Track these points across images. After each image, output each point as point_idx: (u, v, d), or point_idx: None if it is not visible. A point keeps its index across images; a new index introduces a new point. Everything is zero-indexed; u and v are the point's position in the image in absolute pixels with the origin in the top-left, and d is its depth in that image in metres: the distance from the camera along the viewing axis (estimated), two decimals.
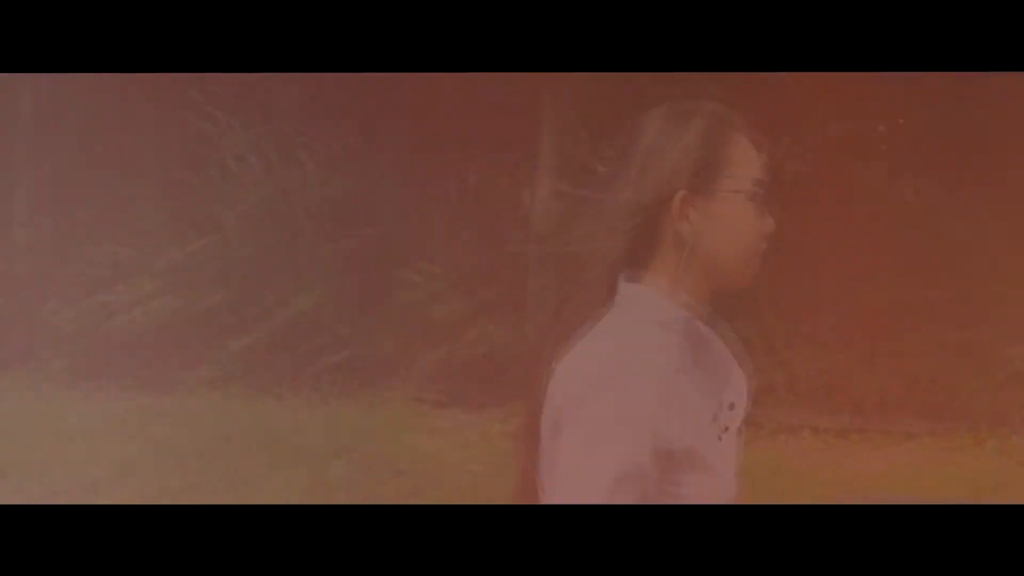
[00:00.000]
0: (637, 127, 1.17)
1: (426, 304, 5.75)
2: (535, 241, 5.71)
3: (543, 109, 5.69)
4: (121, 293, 5.91)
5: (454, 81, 6.22)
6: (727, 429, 1.18)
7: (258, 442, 4.91)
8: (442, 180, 6.05)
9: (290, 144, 5.91)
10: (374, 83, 6.09)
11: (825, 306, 5.84)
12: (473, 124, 6.35)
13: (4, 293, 6.10)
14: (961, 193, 5.84)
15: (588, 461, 1.06)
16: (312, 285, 5.81)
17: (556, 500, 1.10)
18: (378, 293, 5.86)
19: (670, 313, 1.14)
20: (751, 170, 1.15)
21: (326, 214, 5.85)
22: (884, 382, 5.92)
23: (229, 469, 4.54)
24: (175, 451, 4.84)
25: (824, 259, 5.59)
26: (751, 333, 5.71)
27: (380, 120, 6.23)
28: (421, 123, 6.35)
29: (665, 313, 1.14)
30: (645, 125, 1.17)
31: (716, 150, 1.14)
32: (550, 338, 1.15)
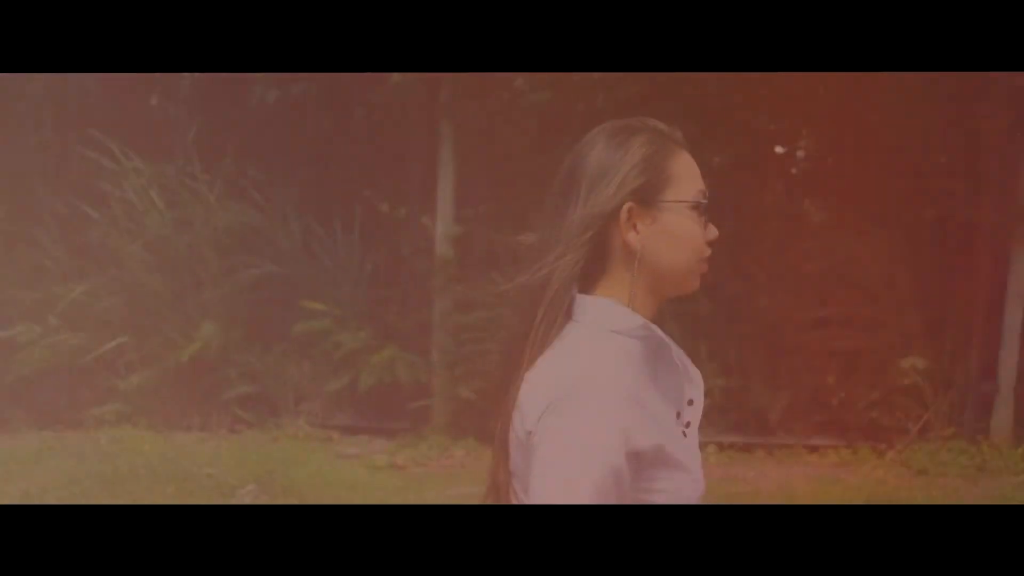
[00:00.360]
0: (583, 145, 1.21)
1: (331, 333, 5.74)
2: (439, 267, 5.74)
3: (444, 139, 5.74)
4: (24, 330, 5.84)
5: (358, 109, 6.27)
6: (688, 425, 1.24)
7: (167, 475, 4.88)
8: (346, 208, 6.05)
9: (192, 177, 5.89)
10: (274, 112, 6.13)
11: (726, 323, 5.92)
12: (377, 153, 6.39)
13: None
14: (855, 207, 5.94)
15: (565, 470, 1.08)
16: (217, 317, 5.78)
17: (538, 500, 1.10)
18: (283, 323, 5.84)
19: (627, 320, 1.18)
20: (694, 182, 1.21)
21: (229, 246, 5.82)
22: (786, 397, 5.99)
23: (137, 503, 4.50)
24: (81, 485, 4.79)
25: (723, 277, 5.65)
26: None
27: (281, 150, 6.25)
28: (324, 152, 6.39)
29: (622, 321, 1.18)
30: (591, 142, 1.21)
31: (660, 164, 1.19)
32: (521, 353, 1.18)
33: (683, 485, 1.17)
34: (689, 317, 5.56)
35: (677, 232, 1.19)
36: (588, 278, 1.22)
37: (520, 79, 5.43)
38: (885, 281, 5.81)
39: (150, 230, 5.75)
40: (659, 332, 1.19)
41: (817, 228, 6.28)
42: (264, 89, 5.98)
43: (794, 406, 5.98)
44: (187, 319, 5.80)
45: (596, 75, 5.41)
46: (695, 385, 1.27)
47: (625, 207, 1.18)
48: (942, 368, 5.82)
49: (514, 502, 1.22)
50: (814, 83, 5.86)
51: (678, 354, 1.25)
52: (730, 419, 5.92)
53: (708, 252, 1.22)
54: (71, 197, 5.82)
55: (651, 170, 1.18)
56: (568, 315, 1.20)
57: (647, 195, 1.18)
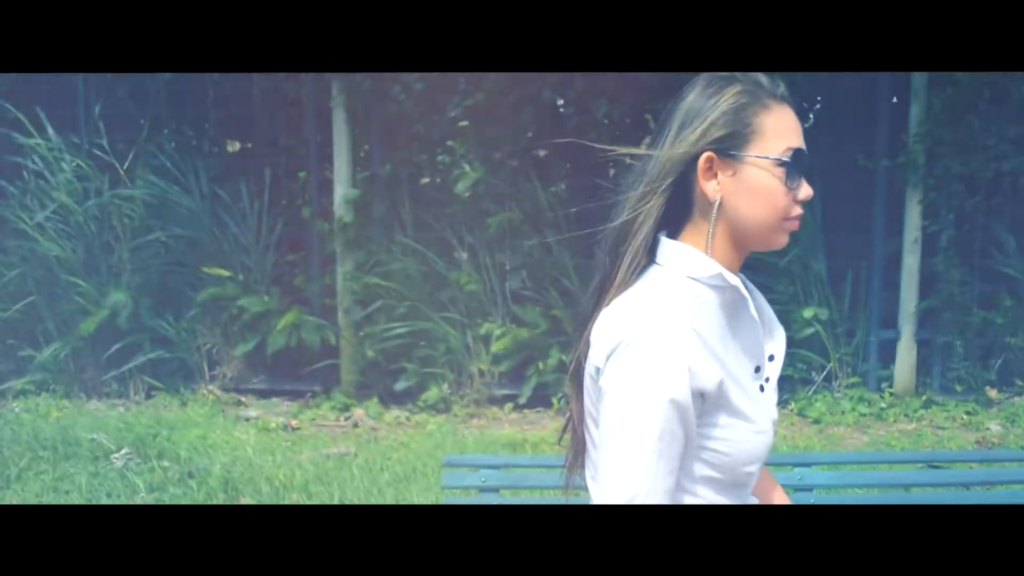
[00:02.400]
0: (684, 89, 1.22)
1: (236, 298, 5.82)
2: (339, 230, 5.80)
3: (336, 103, 5.76)
4: None
5: (261, 79, 6.30)
6: (768, 380, 1.27)
7: (77, 443, 4.96)
8: (255, 174, 6.11)
9: (101, 148, 5.96)
10: (184, 82, 6.16)
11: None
12: (279, 119, 6.43)
13: None
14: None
15: (631, 408, 1.10)
16: (124, 285, 5.88)
17: (606, 442, 1.14)
18: (193, 290, 5.93)
19: (705, 268, 1.20)
20: (784, 139, 1.19)
21: (136, 214, 5.90)
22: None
23: (49, 473, 4.61)
24: None
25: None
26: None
27: (190, 119, 6.30)
28: (231, 120, 6.43)
29: (699, 268, 1.20)
30: (690, 87, 1.22)
31: (748, 117, 1.18)
32: (605, 291, 1.22)
33: (747, 436, 1.19)
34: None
35: (757, 188, 1.18)
36: (677, 223, 1.25)
37: None
38: None
39: (58, 200, 5.83)
40: (737, 283, 1.20)
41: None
42: None
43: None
44: (98, 287, 5.90)
45: None
46: (776, 341, 1.29)
47: (704, 156, 1.19)
48: (843, 318, 5.83)
49: (587, 436, 1.27)
50: None
51: (761, 307, 1.27)
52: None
53: (797, 211, 1.21)
54: None
55: (737, 122, 1.18)
56: (652, 257, 1.23)
57: (730, 147, 1.18)
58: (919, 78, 5.59)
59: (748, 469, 1.22)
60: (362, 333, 5.79)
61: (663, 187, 1.19)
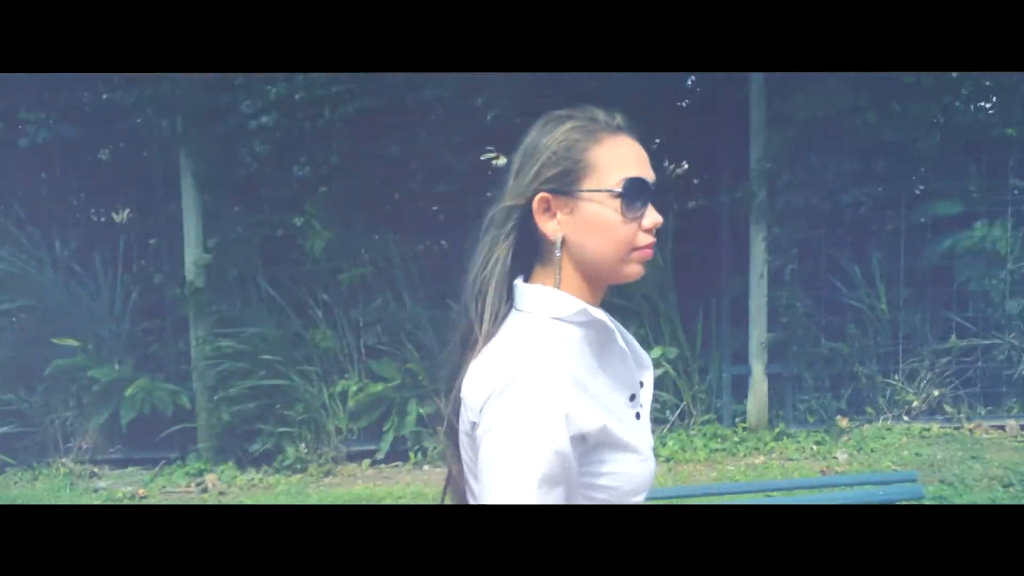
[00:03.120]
0: (527, 133, 1.22)
1: (86, 368, 5.76)
2: (191, 295, 5.78)
3: (184, 168, 5.79)
4: None
5: (110, 143, 6.30)
6: (642, 407, 1.26)
7: None
8: (109, 243, 6.09)
9: None
10: (36, 153, 6.16)
11: None
12: (129, 185, 6.42)
13: None
14: None
15: (510, 458, 1.07)
16: None
17: (486, 494, 1.09)
18: (45, 362, 5.86)
19: (566, 306, 1.18)
20: (621, 170, 1.17)
21: None
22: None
23: None
24: None
25: None
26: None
27: (37, 188, 6.29)
28: (77, 187, 6.42)
29: (561, 307, 1.18)
30: (530, 130, 1.22)
31: (580, 152, 1.17)
32: (467, 345, 1.20)
33: (633, 467, 1.18)
34: None
35: (595, 222, 1.17)
36: (529, 267, 1.24)
37: (246, 104, 5.48)
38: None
39: None
40: (600, 316, 1.19)
41: None
42: (35, 130, 6.02)
43: None
44: None
45: (321, 91, 5.48)
46: (645, 368, 1.29)
47: (539, 197, 1.18)
48: (696, 355, 5.91)
49: (468, 491, 1.23)
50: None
51: (626, 337, 1.26)
52: None
53: (647, 240, 1.20)
54: None
55: (569, 159, 1.17)
56: (511, 304, 1.21)
57: (563, 184, 1.17)
58: (758, 118, 5.74)
59: (637, 499, 1.22)
60: (217, 397, 5.74)
61: (508, 231, 1.19)
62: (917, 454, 5.40)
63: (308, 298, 5.90)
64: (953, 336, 5.89)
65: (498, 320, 1.20)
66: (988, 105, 5.80)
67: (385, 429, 5.76)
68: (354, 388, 5.79)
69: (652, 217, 1.19)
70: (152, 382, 5.79)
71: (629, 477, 1.17)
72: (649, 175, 1.20)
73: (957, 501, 4.64)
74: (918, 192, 6.10)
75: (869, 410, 5.86)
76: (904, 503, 2.70)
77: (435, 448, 5.62)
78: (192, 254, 5.79)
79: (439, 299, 5.70)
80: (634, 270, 1.21)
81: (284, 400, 5.75)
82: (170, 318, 6.03)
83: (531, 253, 1.23)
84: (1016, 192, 5.80)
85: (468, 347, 1.20)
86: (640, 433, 1.22)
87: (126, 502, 5.21)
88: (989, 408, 5.90)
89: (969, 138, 5.86)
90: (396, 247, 5.81)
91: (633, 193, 1.17)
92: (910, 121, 5.62)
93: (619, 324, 1.29)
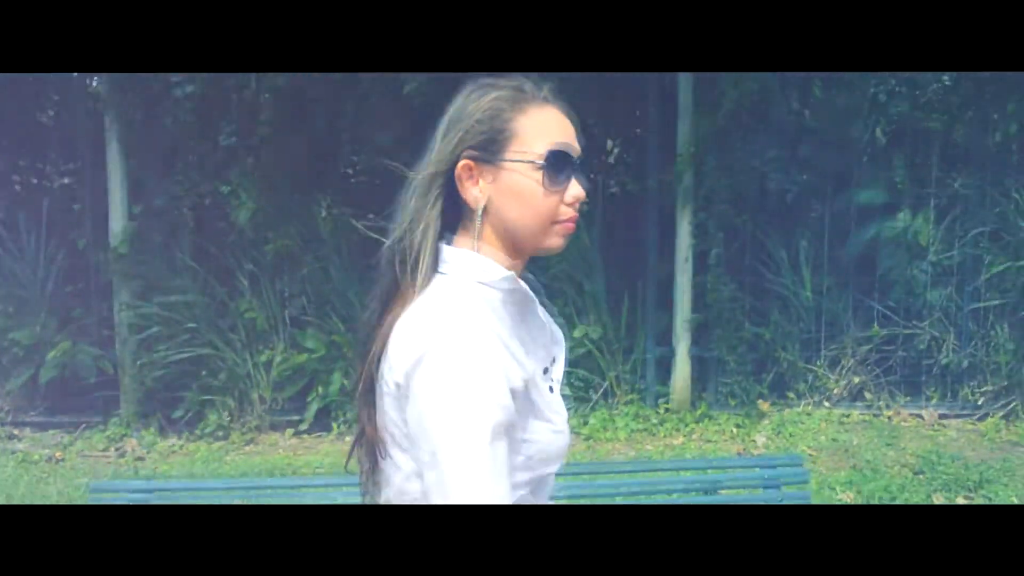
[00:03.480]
0: (452, 100, 1.21)
1: (7, 331, 5.73)
2: (115, 260, 5.75)
3: (110, 134, 5.74)
4: None
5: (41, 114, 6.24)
6: (555, 381, 1.26)
7: None
8: (33, 207, 6.03)
9: None
10: None
11: None
12: (55, 148, 6.37)
13: None
14: None
15: (458, 418, 1.05)
16: None
17: (436, 451, 1.06)
18: None
19: (492, 272, 1.18)
20: (544, 140, 1.17)
21: None
22: None
23: None
24: None
25: None
26: None
27: None
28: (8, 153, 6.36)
29: (486, 272, 1.18)
30: (457, 96, 1.21)
31: (504, 121, 1.17)
32: (389, 306, 1.18)
33: (548, 436, 1.18)
34: None
35: (517, 191, 1.17)
36: (454, 230, 1.23)
37: (177, 76, 5.42)
38: (557, 257, 5.91)
39: None
40: (524, 286, 1.20)
41: None
42: None
43: None
44: None
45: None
46: (557, 343, 1.29)
47: (462, 163, 1.18)
48: (620, 336, 5.95)
49: (385, 452, 1.20)
50: None
51: (542, 310, 1.25)
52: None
53: (568, 213, 1.20)
54: None
55: (493, 127, 1.17)
56: (436, 267, 1.20)
57: (487, 152, 1.17)
58: (685, 103, 5.75)
59: (549, 469, 1.22)
60: (140, 362, 5.73)
61: (434, 196, 1.19)
62: (834, 439, 5.49)
63: (234, 267, 5.88)
64: (875, 324, 5.97)
65: (424, 283, 1.19)
66: (915, 96, 5.84)
67: (309, 399, 5.77)
68: (279, 358, 5.79)
69: (574, 190, 1.19)
70: (75, 345, 5.77)
71: (542, 446, 1.18)
72: (575, 148, 1.21)
73: (866, 487, 4.72)
74: (843, 181, 6.15)
75: (791, 395, 5.94)
76: (790, 486, 2.72)
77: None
78: (117, 220, 5.75)
79: (365, 271, 5.70)
80: (555, 242, 1.21)
81: (208, 368, 5.74)
82: (94, 283, 5.99)
83: (455, 218, 1.23)
84: (939, 184, 5.86)
85: (390, 309, 1.19)
86: (555, 406, 1.23)
87: (43, 464, 5.19)
88: (908, 396, 5.99)
89: (895, 129, 5.92)
90: (322, 219, 5.80)
91: (556, 165, 1.17)
92: (836, 111, 5.67)
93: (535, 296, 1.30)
